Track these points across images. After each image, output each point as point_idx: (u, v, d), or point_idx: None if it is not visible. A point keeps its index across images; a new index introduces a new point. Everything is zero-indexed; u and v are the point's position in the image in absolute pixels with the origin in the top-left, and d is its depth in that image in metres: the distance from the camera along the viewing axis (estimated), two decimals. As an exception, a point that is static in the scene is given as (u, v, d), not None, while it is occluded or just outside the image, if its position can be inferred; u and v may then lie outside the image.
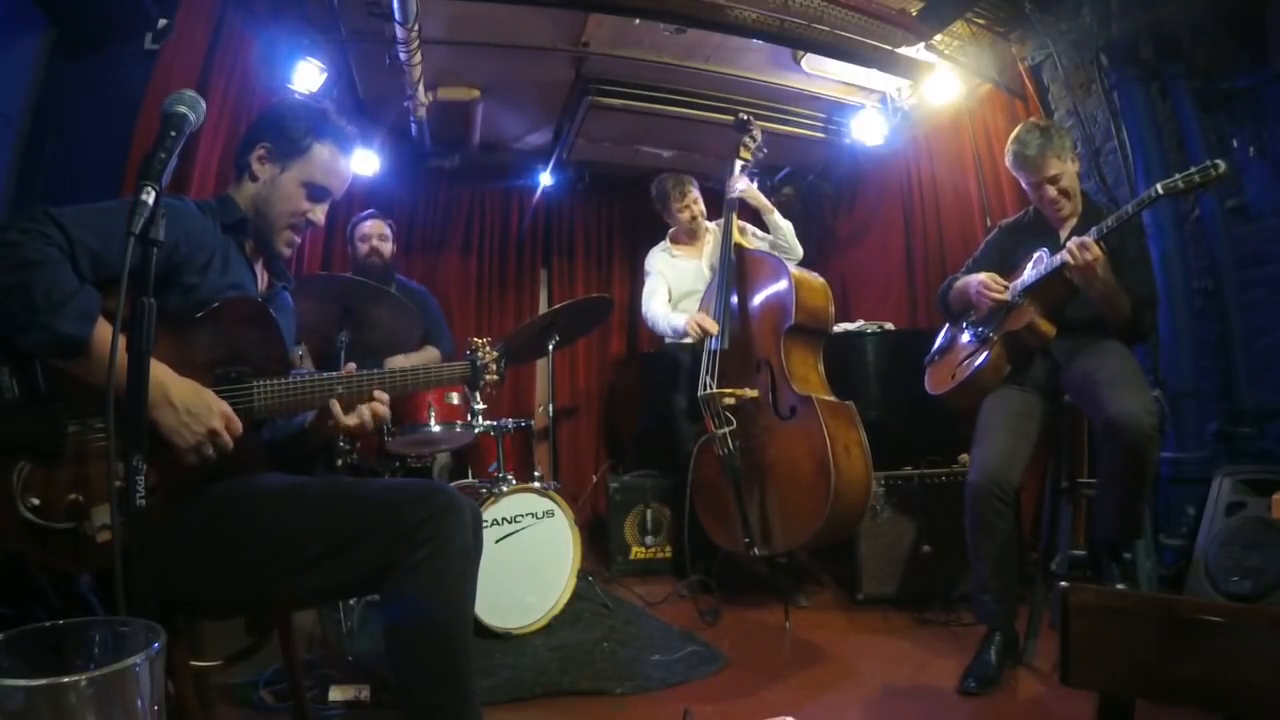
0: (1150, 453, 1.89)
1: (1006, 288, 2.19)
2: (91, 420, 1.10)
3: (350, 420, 1.35)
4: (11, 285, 1.00)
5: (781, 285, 2.62)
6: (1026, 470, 2.10)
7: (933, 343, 2.51)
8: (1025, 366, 2.20)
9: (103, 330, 1.05)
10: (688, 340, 3.09)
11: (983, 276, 2.24)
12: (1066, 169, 2.14)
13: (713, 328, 2.73)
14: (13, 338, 1.02)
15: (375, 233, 3.17)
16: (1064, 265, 1.98)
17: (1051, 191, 2.15)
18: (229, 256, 1.31)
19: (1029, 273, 2.15)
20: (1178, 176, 1.86)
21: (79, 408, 1.10)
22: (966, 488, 2.07)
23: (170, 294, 1.19)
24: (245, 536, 1.19)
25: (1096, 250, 1.94)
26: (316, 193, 1.37)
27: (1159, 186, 1.87)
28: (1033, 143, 2.12)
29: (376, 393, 1.37)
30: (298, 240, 1.41)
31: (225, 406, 1.17)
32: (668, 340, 3.28)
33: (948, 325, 2.48)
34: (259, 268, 1.44)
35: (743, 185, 2.93)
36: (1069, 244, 1.98)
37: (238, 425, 1.18)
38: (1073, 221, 2.20)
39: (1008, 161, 2.21)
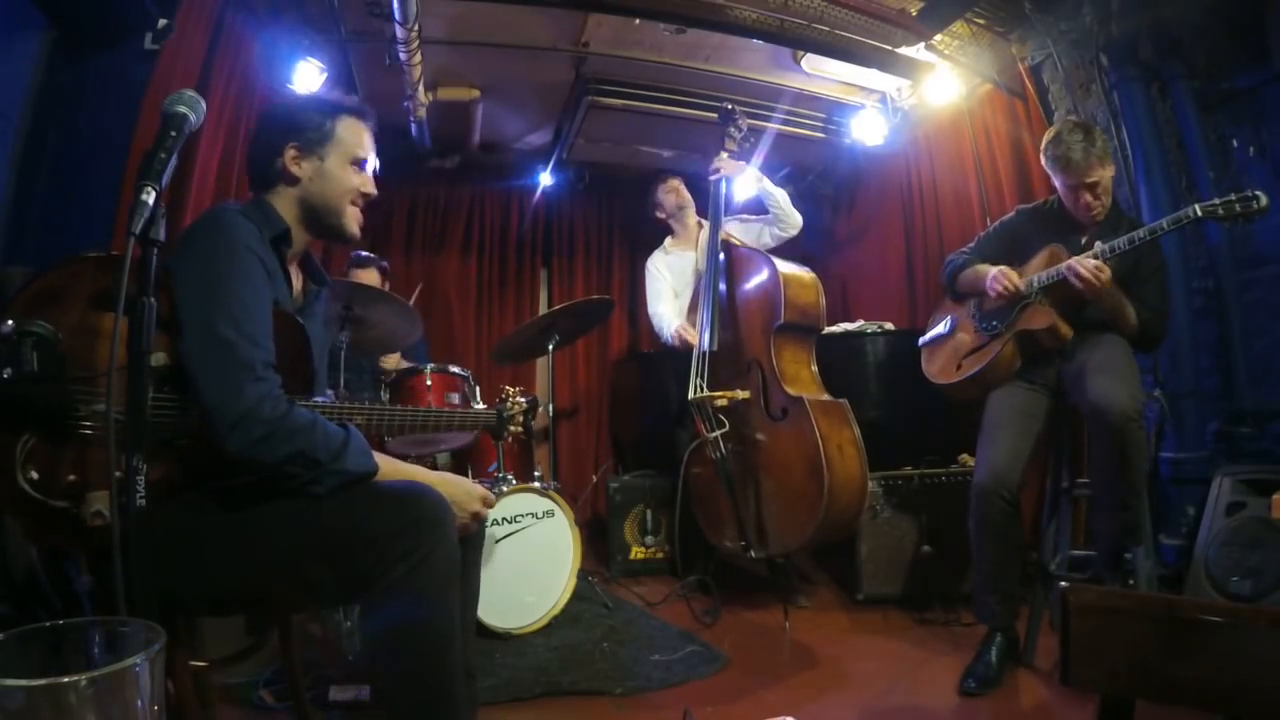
0: (1133, 436, 1.88)
1: (1020, 285, 2.15)
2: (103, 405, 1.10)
3: None
4: (292, 454, 1.13)
5: (769, 283, 2.61)
6: (1029, 470, 2.10)
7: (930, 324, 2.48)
8: (1035, 364, 2.18)
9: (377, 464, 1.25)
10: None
11: (1001, 268, 2.19)
12: (1107, 174, 2.09)
13: (692, 340, 2.81)
14: (313, 490, 1.17)
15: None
16: (1072, 279, 1.97)
17: (1088, 197, 2.10)
18: (276, 271, 1.29)
19: (1047, 269, 2.10)
20: (1218, 202, 1.84)
21: (95, 392, 1.10)
22: (973, 489, 2.07)
23: None
24: (236, 536, 1.19)
25: (1108, 272, 1.93)
26: (362, 165, 1.40)
27: (1198, 208, 1.85)
28: (1076, 145, 2.05)
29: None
30: (361, 217, 1.43)
31: (481, 491, 1.36)
32: (665, 339, 3.29)
33: (949, 307, 2.43)
34: (294, 272, 1.42)
35: (725, 167, 2.88)
36: (1080, 263, 1.96)
37: (492, 499, 1.38)
38: (1098, 223, 2.16)
39: (1045, 159, 2.13)
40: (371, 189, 1.41)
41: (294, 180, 1.34)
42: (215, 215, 1.23)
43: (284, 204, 1.35)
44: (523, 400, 1.66)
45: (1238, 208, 1.82)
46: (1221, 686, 0.65)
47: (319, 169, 1.34)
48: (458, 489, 1.32)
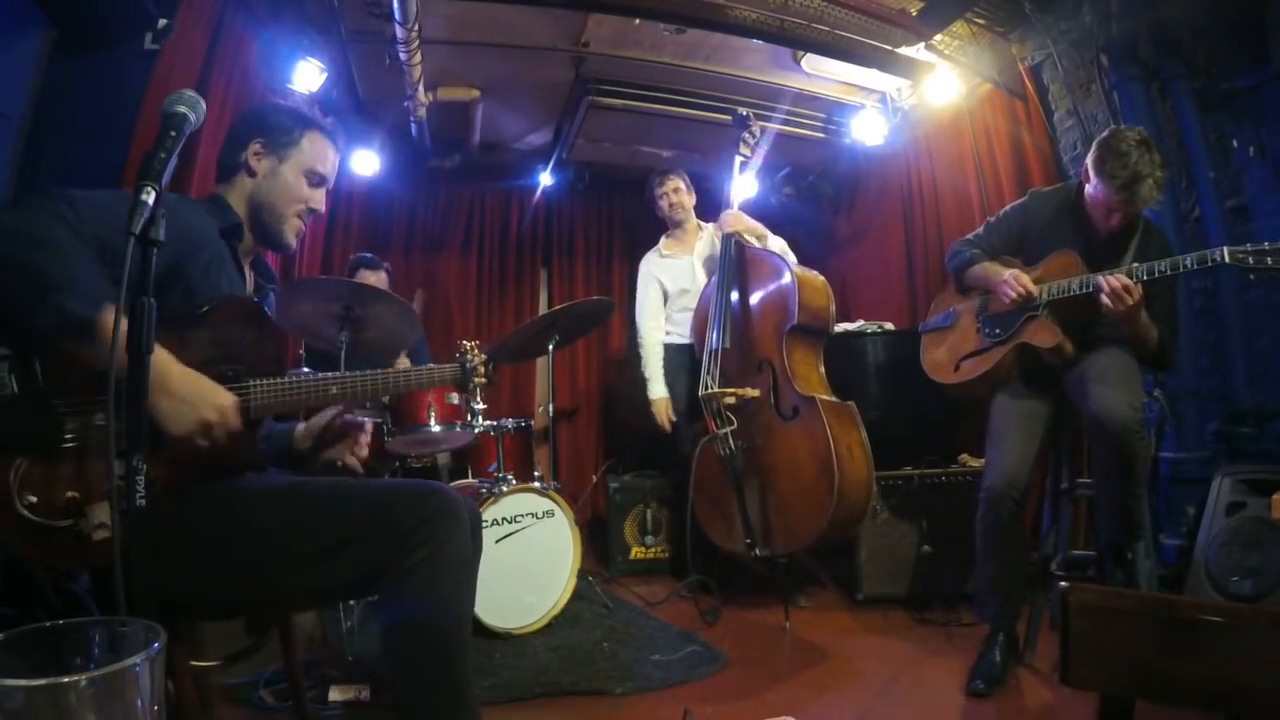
0: (1134, 447, 1.87)
1: (1035, 292, 2.07)
2: (90, 417, 1.10)
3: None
4: (25, 262, 1.00)
5: (784, 285, 2.62)
6: (1035, 471, 2.10)
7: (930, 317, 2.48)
8: (1037, 370, 2.16)
9: (111, 316, 0.99)
10: (685, 340, 3.11)
11: (1015, 272, 2.10)
12: None
13: (665, 423, 3.15)
14: (21, 317, 1.00)
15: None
16: (1099, 296, 1.88)
17: (1120, 218, 2.00)
18: (223, 259, 1.32)
19: (1060, 281, 2.04)
20: (1249, 249, 1.69)
21: (79, 404, 1.09)
22: (983, 491, 2.07)
23: (172, 293, 1.19)
24: (239, 536, 1.19)
25: (1138, 293, 1.84)
26: (315, 179, 1.41)
27: (1225, 253, 1.72)
28: (1147, 181, 1.88)
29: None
30: (303, 230, 1.44)
31: (224, 399, 1.13)
32: (666, 340, 3.28)
33: (952, 298, 2.40)
34: (247, 269, 1.44)
35: (731, 223, 2.88)
36: (1112, 282, 1.85)
37: (233, 420, 1.14)
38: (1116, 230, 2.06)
39: (1099, 169, 1.95)
40: (319, 206, 1.42)
41: (251, 173, 1.37)
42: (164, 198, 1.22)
43: (236, 200, 1.38)
44: (479, 351, 1.65)
45: (1269, 260, 1.65)
46: (1221, 686, 0.65)
47: (273, 170, 1.37)
48: (193, 389, 1.11)
